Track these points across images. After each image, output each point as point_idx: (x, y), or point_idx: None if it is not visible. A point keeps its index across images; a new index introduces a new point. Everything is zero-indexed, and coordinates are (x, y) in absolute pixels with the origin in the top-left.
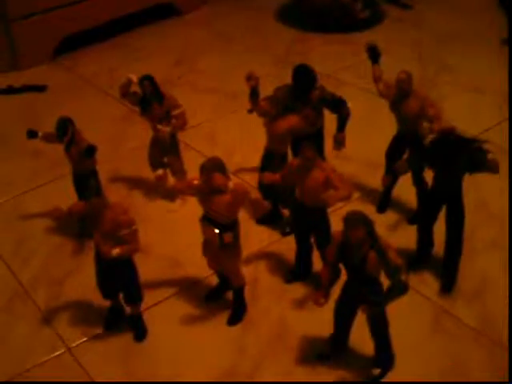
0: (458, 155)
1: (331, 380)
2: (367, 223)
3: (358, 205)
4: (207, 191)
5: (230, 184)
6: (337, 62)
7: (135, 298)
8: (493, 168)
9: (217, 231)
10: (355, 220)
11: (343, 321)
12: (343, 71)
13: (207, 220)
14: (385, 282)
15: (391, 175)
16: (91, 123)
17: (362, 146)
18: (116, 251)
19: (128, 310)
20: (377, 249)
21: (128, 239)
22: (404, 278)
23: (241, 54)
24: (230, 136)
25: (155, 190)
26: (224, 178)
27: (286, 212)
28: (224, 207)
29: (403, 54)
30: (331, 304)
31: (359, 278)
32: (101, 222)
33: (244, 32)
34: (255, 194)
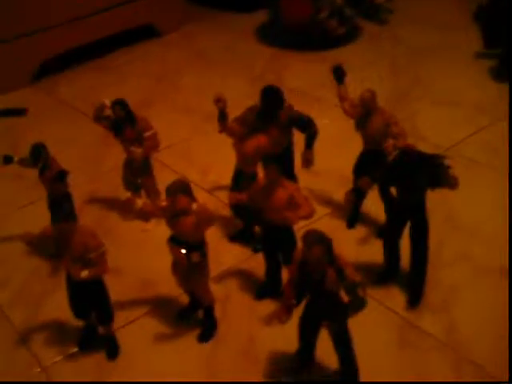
0: (418, 172)
1: None
2: (325, 241)
3: (328, 220)
4: (173, 213)
5: (194, 205)
6: (313, 79)
7: (106, 317)
8: (452, 184)
9: (184, 251)
10: (313, 238)
11: (308, 336)
12: (319, 88)
13: (175, 240)
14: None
15: (355, 191)
16: (70, 145)
17: (335, 161)
18: (84, 273)
19: (101, 329)
20: (335, 266)
21: (96, 262)
22: (362, 294)
23: (219, 74)
24: (206, 155)
25: (129, 211)
26: (187, 200)
27: (257, 229)
28: (189, 228)
29: (379, 69)
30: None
31: (320, 295)
32: (70, 245)
33: (223, 52)
34: (228, 212)
